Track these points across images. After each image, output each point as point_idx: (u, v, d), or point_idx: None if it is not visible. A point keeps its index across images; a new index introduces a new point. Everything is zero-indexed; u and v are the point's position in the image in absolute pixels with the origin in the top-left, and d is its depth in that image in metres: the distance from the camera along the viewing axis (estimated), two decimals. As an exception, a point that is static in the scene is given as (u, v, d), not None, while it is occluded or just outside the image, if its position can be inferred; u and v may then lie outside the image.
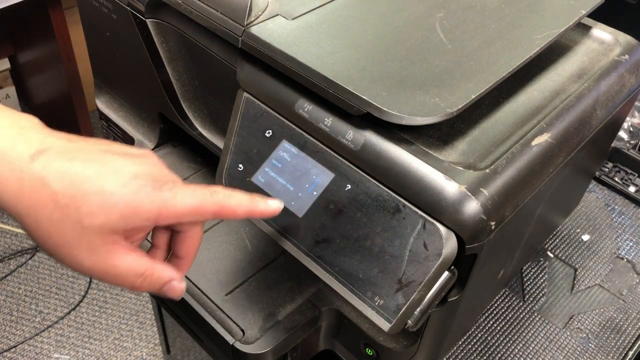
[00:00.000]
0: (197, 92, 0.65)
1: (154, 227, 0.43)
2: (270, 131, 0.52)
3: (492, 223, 0.45)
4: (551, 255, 0.80)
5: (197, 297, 0.58)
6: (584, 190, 0.82)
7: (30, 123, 0.40)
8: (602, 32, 0.63)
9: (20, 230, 1.76)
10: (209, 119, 0.66)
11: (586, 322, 0.73)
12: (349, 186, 0.48)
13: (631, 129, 1.02)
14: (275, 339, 0.55)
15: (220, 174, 0.55)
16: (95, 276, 0.40)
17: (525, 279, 0.77)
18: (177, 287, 0.43)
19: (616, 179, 0.91)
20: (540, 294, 0.75)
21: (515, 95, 0.54)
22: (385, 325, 0.46)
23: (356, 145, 0.47)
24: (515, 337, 0.71)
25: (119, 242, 0.39)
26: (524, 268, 0.78)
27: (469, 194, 0.44)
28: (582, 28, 0.64)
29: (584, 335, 0.71)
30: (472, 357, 0.68)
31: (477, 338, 0.70)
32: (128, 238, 0.40)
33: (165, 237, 0.45)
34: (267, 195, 0.51)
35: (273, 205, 0.45)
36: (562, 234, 0.83)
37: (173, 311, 0.62)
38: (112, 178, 0.38)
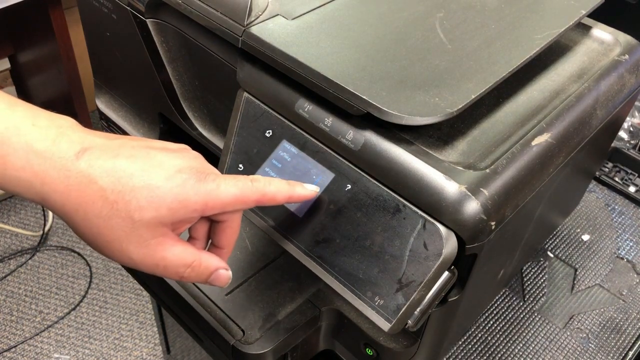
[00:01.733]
0: (197, 92, 0.65)
1: None
2: (270, 131, 0.52)
3: (492, 223, 0.45)
4: (551, 255, 0.80)
5: (197, 297, 0.58)
6: (584, 190, 0.82)
7: (68, 122, 0.40)
8: (602, 32, 0.63)
9: (20, 230, 1.76)
10: (209, 119, 0.66)
11: (586, 322, 0.73)
12: (349, 186, 0.48)
13: (631, 129, 1.02)
14: (275, 339, 0.55)
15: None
16: (144, 269, 0.41)
17: (525, 279, 0.77)
18: (223, 275, 0.44)
19: (616, 179, 0.91)
20: (540, 294, 0.75)
21: (515, 95, 0.54)
22: (385, 325, 0.46)
23: (356, 145, 0.47)
24: (515, 337, 0.71)
25: (168, 234, 0.40)
26: (524, 268, 0.78)
27: (469, 194, 0.44)
28: (582, 28, 0.64)
29: (584, 335, 0.71)
30: (472, 357, 0.68)
31: (477, 338, 0.70)
32: (174, 230, 0.41)
33: (204, 229, 0.45)
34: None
35: (310, 189, 0.47)
36: (562, 234, 0.83)
37: (173, 311, 0.62)
38: (157, 173, 0.39)
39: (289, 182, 0.45)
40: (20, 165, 0.37)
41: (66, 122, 0.40)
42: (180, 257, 0.41)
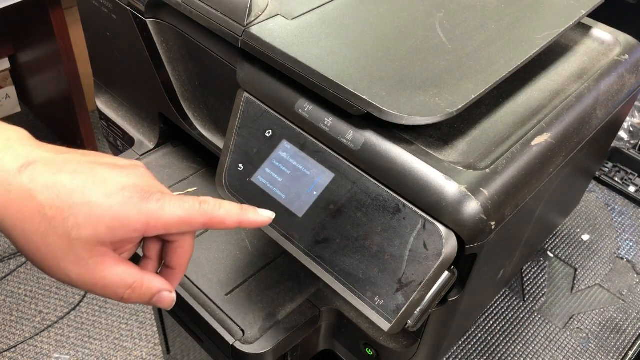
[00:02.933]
0: (197, 92, 0.65)
1: (144, 238, 0.42)
2: (270, 131, 0.52)
3: (492, 223, 0.45)
4: (551, 255, 0.80)
5: (197, 297, 0.58)
6: (584, 190, 0.82)
7: (17, 134, 0.39)
8: (602, 32, 0.63)
9: (20, 230, 1.76)
10: (209, 119, 0.66)
11: (586, 322, 0.73)
12: (349, 186, 0.48)
13: (631, 129, 1.02)
14: (275, 339, 0.55)
15: (220, 174, 0.55)
16: (83, 288, 0.39)
17: (525, 279, 0.77)
18: (166, 297, 0.42)
19: (616, 179, 0.91)
20: (540, 294, 0.75)
21: (515, 95, 0.54)
22: (385, 325, 0.46)
23: (356, 145, 0.47)
24: (515, 337, 0.71)
25: (107, 254, 0.39)
26: (524, 268, 0.78)
27: (469, 194, 0.44)
28: (582, 28, 0.64)
29: (584, 335, 0.71)
30: (472, 357, 0.68)
31: (477, 338, 0.70)
32: (117, 250, 0.40)
33: (156, 248, 0.44)
34: (268, 195, 0.51)
35: (264, 215, 0.45)
36: (562, 234, 0.83)
37: (173, 311, 0.62)
38: (99, 190, 0.38)
39: (242, 206, 0.44)
40: None
41: (15, 134, 0.39)
42: (120, 278, 0.39)
